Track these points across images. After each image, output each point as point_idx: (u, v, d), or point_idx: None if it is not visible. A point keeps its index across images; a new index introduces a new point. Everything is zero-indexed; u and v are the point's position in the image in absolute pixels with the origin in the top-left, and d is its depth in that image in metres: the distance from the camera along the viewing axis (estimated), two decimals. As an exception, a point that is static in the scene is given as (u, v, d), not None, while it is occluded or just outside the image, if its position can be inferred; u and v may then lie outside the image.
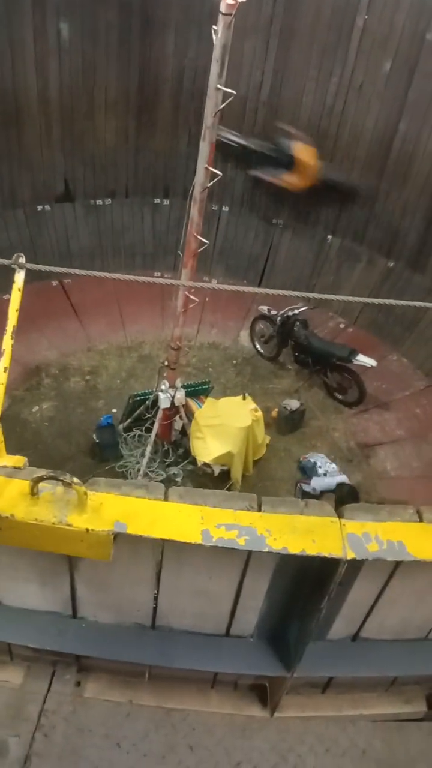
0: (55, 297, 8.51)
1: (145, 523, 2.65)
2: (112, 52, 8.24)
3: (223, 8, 4.34)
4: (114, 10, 7.95)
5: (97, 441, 6.87)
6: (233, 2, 4.33)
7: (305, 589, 3.12)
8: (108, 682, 3.51)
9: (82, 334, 8.32)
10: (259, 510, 2.86)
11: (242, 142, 8.52)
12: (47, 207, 8.71)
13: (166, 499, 2.78)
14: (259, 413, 6.77)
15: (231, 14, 4.34)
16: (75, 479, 2.54)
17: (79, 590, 3.14)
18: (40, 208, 8.67)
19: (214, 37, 4.45)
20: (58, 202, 8.79)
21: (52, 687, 3.32)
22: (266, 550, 2.71)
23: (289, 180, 8.34)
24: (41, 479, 2.56)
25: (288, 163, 8.21)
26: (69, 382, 7.74)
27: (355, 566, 2.93)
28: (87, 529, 2.56)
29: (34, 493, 2.59)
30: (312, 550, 2.71)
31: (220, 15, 4.34)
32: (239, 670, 3.50)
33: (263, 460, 7.10)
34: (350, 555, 2.71)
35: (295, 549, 2.71)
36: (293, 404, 7.37)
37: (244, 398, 6.80)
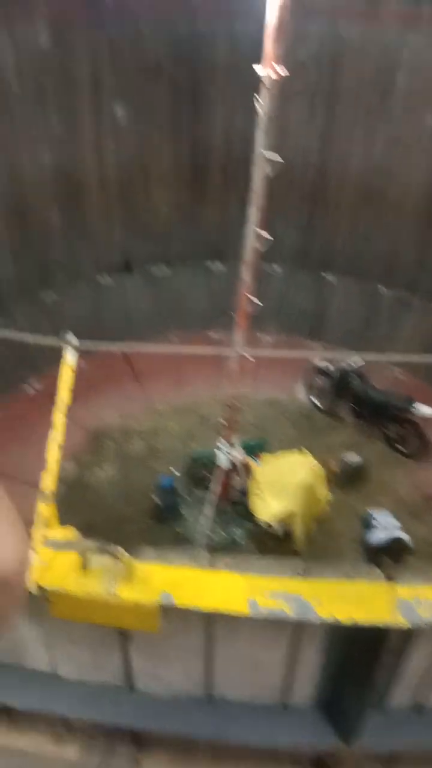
0: (115, 361, 8.84)
1: (192, 594, 2.68)
2: (164, 128, 8.75)
3: (266, 81, 4.59)
4: (165, 88, 8.49)
5: (158, 502, 6.95)
6: (276, 75, 4.58)
7: (359, 657, 3.04)
8: (164, 755, 3.47)
9: (142, 396, 8.56)
10: (307, 577, 2.84)
11: None
12: (108, 278, 9.17)
13: (212, 568, 2.81)
14: (319, 469, 6.68)
15: (275, 86, 4.58)
16: (122, 551, 2.61)
17: (133, 661, 3.17)
18: (101, 279, 9.14)
19: (258, 108, 4.69)
20: (117, 272, 9.25)
21: (108, 761, 3.31)
22: (315, 619, 2.68)
23: None
24: (91, 551, 2.65)
25: None
26: (130, 444, 7.93)
27: (410, 633, 2.85)
28: (135, 602, 2.62)
29: (84, 565, 2.68)
30: (362, 619, 2.67)
31: (264, 87, 4.58)
32: (296, 742, 3.39)
33: (326, 517, 6.98)
34: (401, 622, 2.64)
35: (344, 618, 2.67)
36: (354, 458, 7.26)
37: (303, 454, 6.75)
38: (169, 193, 9.14)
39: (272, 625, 2.87)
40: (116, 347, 3.85)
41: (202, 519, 6.82)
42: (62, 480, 7.11)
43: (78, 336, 3.46)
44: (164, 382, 8.71)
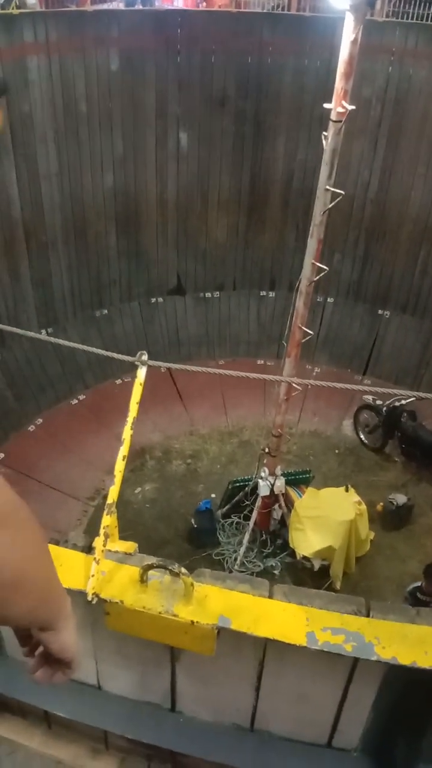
0: (162, 381, 8.87)
1: (249, 620, 2.62)
2: (226, 157, 8.91)
3: (333, 116, 4.60)
4: (229, 119, 8.65)
5: (195, 526, 6.89)
6: (343, 110, 4.59)
7: (416, 703, 2.92)
8: (202, 784, 3.37)
9: (186, 418, 8.56)
10: (368, 615, 2.75)
11: None
12: (160, 299, 9.29)
13: (270, 596, 2.74)
14: (363, 507, 6.55)
15: (341, 121, 4.59)
16: (183, 570, 2.57)
17: (179, 683, 3.10)
18: (153, 300, 9.26)
19: (324, 142, 4.70)
20: (170, 294, 9.36)
21: (145, 782, 3.23)
22: (374, 658, 2.59)
23: None
24: (151, 567, 2.61)
25: None
26: (171, 464, 7.92)
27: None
28: (192, 621, 2.56)
29: (143, 580, 2.64)
30: (424, 663, 2.56)
31: (331, 122, 4.60)
32: (340, 787, 3.25)
33: (366, 557, 6.80)
34: (467, 672, 2.53)
35: (405, 660, 2.56)
36: (400, 499, 7.09)
37: (347, 490, 6.62)
38: (227, 220, 9.26)
39: (327, 660, 2.78)
40: (182, 367, 3.87)
41: (238, 547, 6.73)
42: (104, 496, 7.13)
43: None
44: (208, 406, 8.71)
